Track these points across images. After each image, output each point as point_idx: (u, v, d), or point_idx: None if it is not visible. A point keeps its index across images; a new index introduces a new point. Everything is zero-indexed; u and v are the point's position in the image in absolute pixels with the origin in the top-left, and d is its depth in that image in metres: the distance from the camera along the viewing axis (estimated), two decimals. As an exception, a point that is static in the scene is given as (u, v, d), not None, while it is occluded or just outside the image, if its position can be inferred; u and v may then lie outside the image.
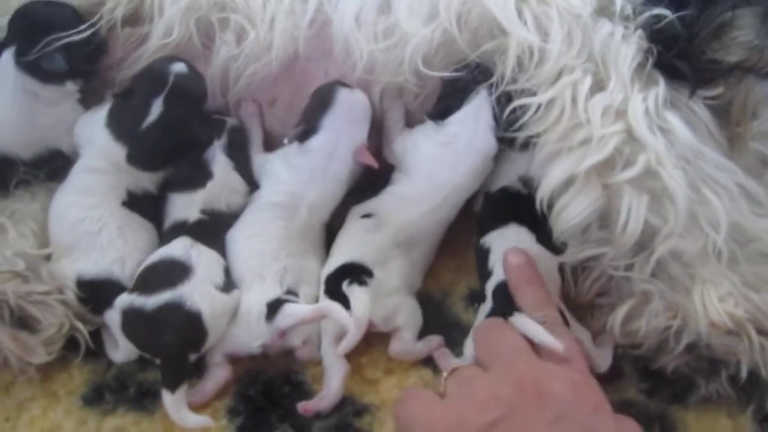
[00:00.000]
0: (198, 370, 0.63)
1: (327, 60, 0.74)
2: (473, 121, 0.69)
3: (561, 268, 0.68)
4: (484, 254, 0.68)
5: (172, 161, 0.72)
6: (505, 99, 0.69)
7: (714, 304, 0.62)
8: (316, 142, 0.70)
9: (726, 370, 0.62)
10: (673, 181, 0.62)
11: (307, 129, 0.70)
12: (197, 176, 0.71)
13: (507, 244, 0.66)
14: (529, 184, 0.69)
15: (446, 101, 0.71)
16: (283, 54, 0.73)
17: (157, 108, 0.70)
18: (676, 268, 0.64)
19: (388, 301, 0.64)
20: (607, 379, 0.63)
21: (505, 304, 0.62)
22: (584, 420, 0.49)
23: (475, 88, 0.69)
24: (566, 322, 0.62)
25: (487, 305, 0.64)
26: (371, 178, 0.73)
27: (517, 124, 0.67)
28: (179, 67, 0.71)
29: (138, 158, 0.70)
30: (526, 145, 0.68)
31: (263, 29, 0.72)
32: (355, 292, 0.62)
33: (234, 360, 0.64)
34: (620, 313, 0.65)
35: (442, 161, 0.69)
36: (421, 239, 0.69)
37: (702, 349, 0.63)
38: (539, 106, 0.66)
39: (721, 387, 0.62)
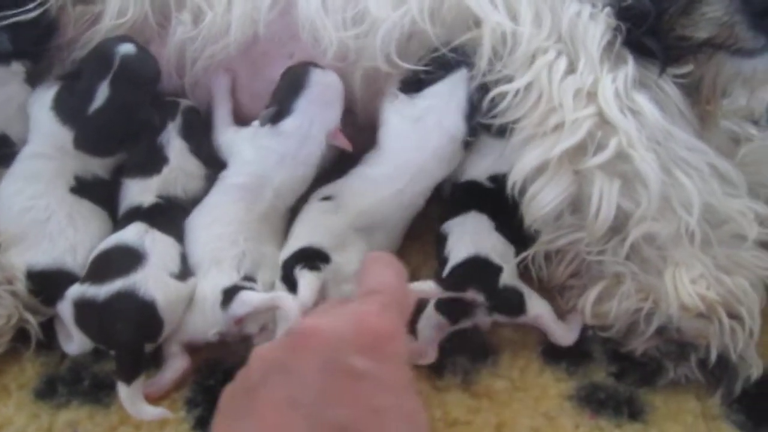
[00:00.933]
0: (155, 361, 0.61)
1: (293, 43, 0.72)
2: (447, 98, 0.67)
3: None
4: (442, 240, 0.66)
5: (124, 146, 0.70)
6: (482, 90, 0.67)
7: (686, 286, 0.61)
8: (289, 124, 0.68)
9: (695, 354, 0.61)
10: (645, 164, 0.61)
11: (280, 111, 0.68)
12: (152, 161, 0.69)
13: (465, 231, 0.65)
14: (499, 181, 0.67)
15: (423, 74, 0.68)
16: (242, 36, 0.70)
17: (103, 91, 0.68)
18: (649, 250, 0.63)
19: (346, 287, 0.62)
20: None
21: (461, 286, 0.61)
22: (356, 361, 0.41)
23: (454, 65, 0.67)
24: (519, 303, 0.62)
25: None
26: (340, 161, 0.72)
27: (497, 110, 0.66)
28: (126, 48, 0.68)
29: (86, 143, 0.68)
30: (503, 131, 0.67)
31: (221, 10, 0.70)
32: (304, 277, 0.60)
33: (193, 349, 0.62)
34: (591, 294, 0.64)
35: (409, 139, 0.68)
36: (383, 225, 0.67)
37: (672, 332, 0.62)
38: (518, 92, 0.65)
39: (690, 371, 0.62)
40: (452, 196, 0.71)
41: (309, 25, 0.69)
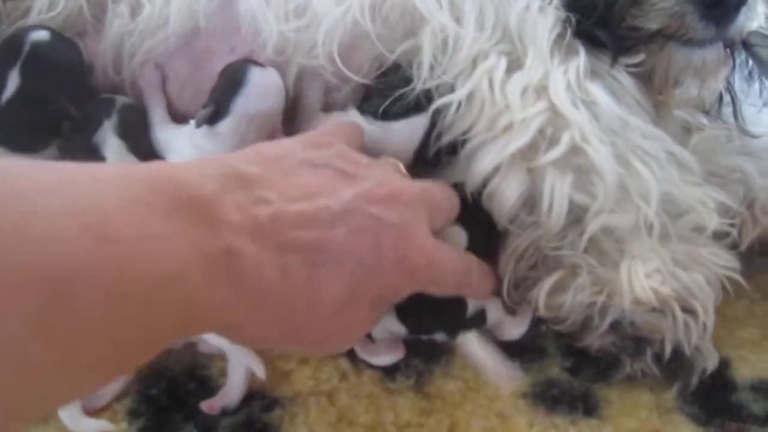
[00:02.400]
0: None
1: (234, 37, 0.69)
2: (405, 138, 0.64)
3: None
4: None
5: (43, 141, 0.66)
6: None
7: (640, 280, 0.60)
8: (225, 125, 0.65)
9: (651, 349, 0.61)
10: (599, 156, 0.60)
11: (216, 111, 0.65)
12: (88, 160, 0.66)
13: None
14: (460, 189, 0.64)
15: (384, 102, 0.64)
16: (181, 29, 0.67)
17: (13, 80, 0.64)
18: (607, 243, 0.62)
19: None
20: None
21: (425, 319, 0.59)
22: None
23: (415, 103, 0.64)
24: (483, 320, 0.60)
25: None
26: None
27: (443, 126, 0.63)
28: (38, 35, 0.65)
29: (2, 136, 0.64)
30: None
31: (159, 2, 0.67)
32: None
33: (136, 357, 0.60)
34: (546, 285, 0.62)
35: None
36: None
37: (626, 327, 0.61)
38: (460, 104, 0.63)
39: (646, 366, 0.61)
40: None
41: (250, 17, 0.66)
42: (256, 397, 0.58)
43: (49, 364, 0.34)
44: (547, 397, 0.60)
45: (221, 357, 0.60)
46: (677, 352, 0.60)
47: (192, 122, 0.66)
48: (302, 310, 0.45)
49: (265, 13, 0.66)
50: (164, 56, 0.69)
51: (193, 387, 0.59)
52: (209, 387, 0.59)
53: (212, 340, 0.58)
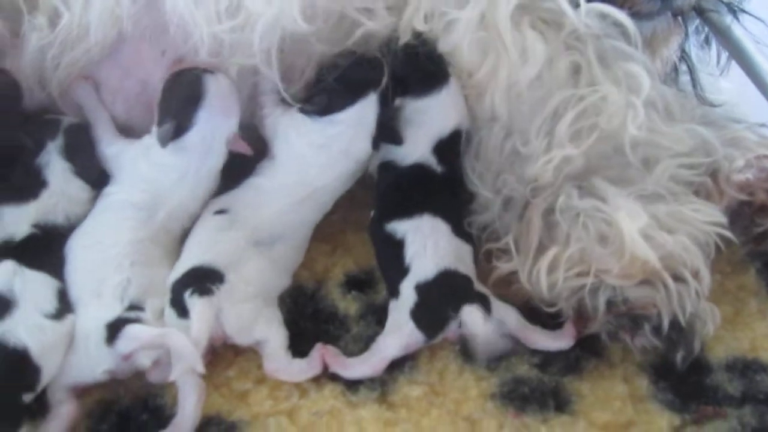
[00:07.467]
0: (41, 410, 0.55)
1: (164, 39, 0.65)
2: (355, 125, 0.63)
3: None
4: (395, 246, 0.61)
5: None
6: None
7: (636, 236, 0.58)
8: (192, 138, 0.62)
9: (648, 323, 0.58)
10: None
11: (179, 125, 0.62)
12: (28, 185, 0.62)
13: (424, 238, 0.60)
14: (443, 151, 0.64)
15: (328, 96, 0.64)
16: (105, 37, 0.63)
17: None
18: (591, 208, 0.60)
19: (243, 308, 0.57)
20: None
21: (439, 302, 0.58)
22: None
23: (364, 88, 0.63)
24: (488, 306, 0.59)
25: (407, 301, 0.58)
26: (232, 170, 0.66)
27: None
28: None
29: None
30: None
31: (78, 9, 0.63)
32: (195, 305, 0.55)
33: (83, 390, 0.57)
34: (544, 263, 0.59)
35: (313, 162, 0.64)
36: (283, 236, 0.62)
37: (620, 305, 0.59)
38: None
39: (647, 340, 0.59)
40: (397, 185, 0.65)
41: (177, 19, 0.63)
42: (212, 422, 0.55)
43: None
44: (516, 397, 0.57)
45: (174, 384, 0.56)
46: (675, 321, 0.58)
47: (144, 140, 0.63)
48: None
49: (193, 13, 0.62)
50: (90, 66, 0.65)
51: (146, 418, 0.56)
52: (163, 417, 0.56)
53: (162, 371, 0.55)
